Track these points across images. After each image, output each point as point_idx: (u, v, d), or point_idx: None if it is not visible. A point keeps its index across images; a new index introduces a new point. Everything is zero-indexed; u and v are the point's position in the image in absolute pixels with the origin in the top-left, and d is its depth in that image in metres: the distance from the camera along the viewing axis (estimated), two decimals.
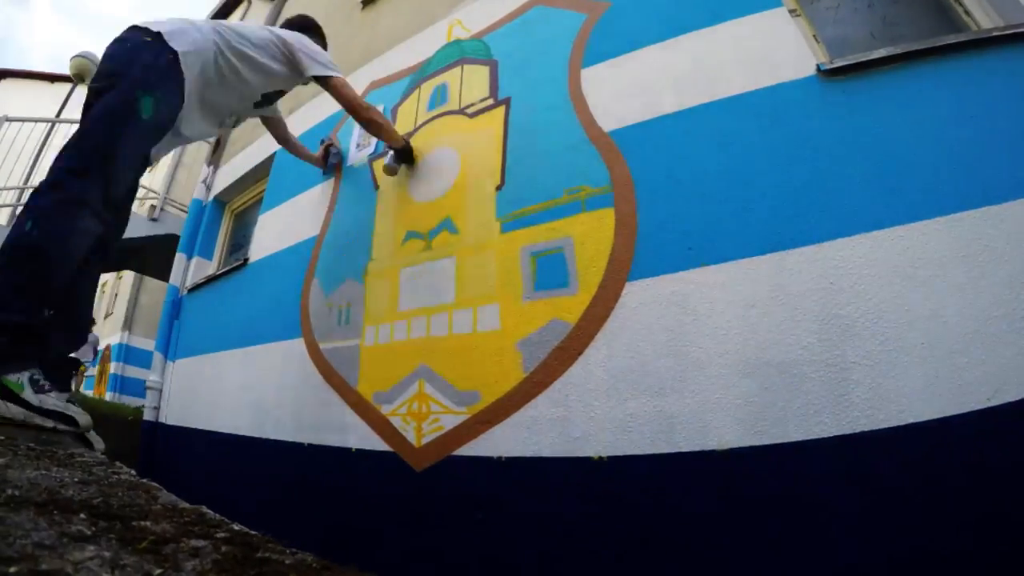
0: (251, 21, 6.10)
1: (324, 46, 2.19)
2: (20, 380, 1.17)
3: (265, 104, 2.00)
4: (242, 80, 1.74)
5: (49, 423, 1.18)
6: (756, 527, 1.08)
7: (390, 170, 2.10)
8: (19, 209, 5.36)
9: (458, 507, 1.46)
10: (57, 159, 1.30)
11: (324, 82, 1.91)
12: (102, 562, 0.40)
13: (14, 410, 1.13)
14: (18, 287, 1.18)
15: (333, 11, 3.91)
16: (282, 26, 2.09)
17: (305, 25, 2.16)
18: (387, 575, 1.35)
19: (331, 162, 2.57)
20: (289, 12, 5.11)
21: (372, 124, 1.98)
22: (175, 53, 1.48)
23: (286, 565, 0.50)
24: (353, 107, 1.94)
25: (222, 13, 7.98)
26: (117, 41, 1.49)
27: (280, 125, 2.31)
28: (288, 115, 3.01)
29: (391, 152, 2.09)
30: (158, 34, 1.49)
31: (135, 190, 1.60)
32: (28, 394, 1.17)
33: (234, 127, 2.01)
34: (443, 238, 1.88)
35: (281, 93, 2.04)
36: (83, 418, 1.25)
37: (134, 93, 1.39)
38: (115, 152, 1.34)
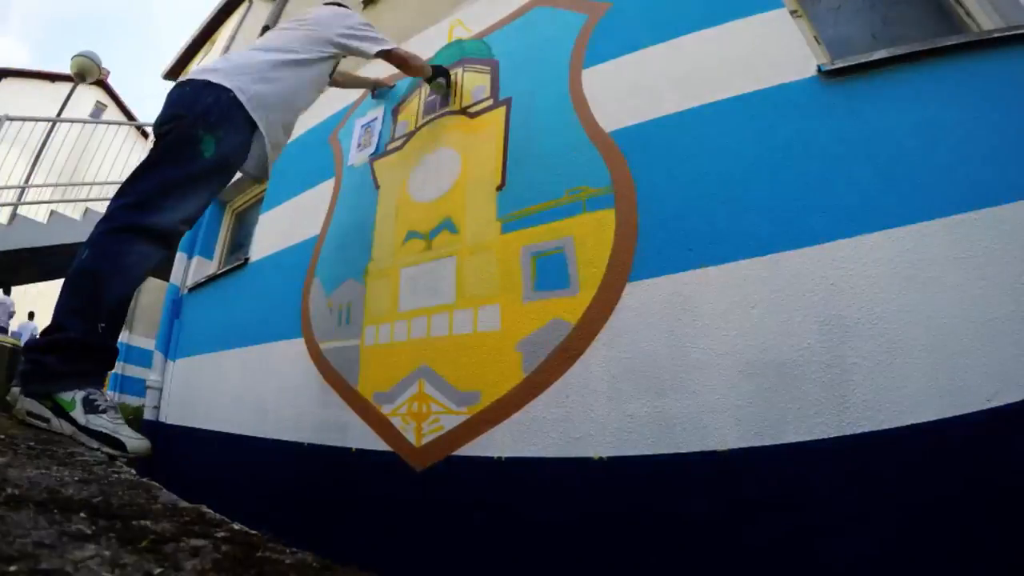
0: (251, 21, 6.10)
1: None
2: (73, 398, 1.20)
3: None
4: (310, 90, 1.83)
5: (93, 444, 1.17)
6: (756, 528, 1.08)
7: (436, 85, 2.25)
8: (20, 208, 5.36)
9: (458, 507, 1.46)
10: (114, 197, 1.38)
11: (386, 57, 1.97)
12: (102, 561, 0.40)
13: (64, 427, 1.18)
14: (74, 310, 1.25)
15: None
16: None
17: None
18: (387, 574, 1.35)
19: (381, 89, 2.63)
20: (290, 12, 5.12)
21: (416, 68, 2.08)
22: (231, 91, 1.51)
23: (286, 564, 0.50)
24: (407, 66, 2.05)
25: (223, 13, 7.98)
26: (179, 86, 1.55)
27: (344, 78, 2.39)
28: None
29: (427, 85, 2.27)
30: (209, 81, 1.52)
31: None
32: (77, 413, 1.19)
33: None
34: (444, 238, 1.88)
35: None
36: (133, 443, 1.21)
37: (196, 132, 1.43)
38: (173, 187, 1.39)
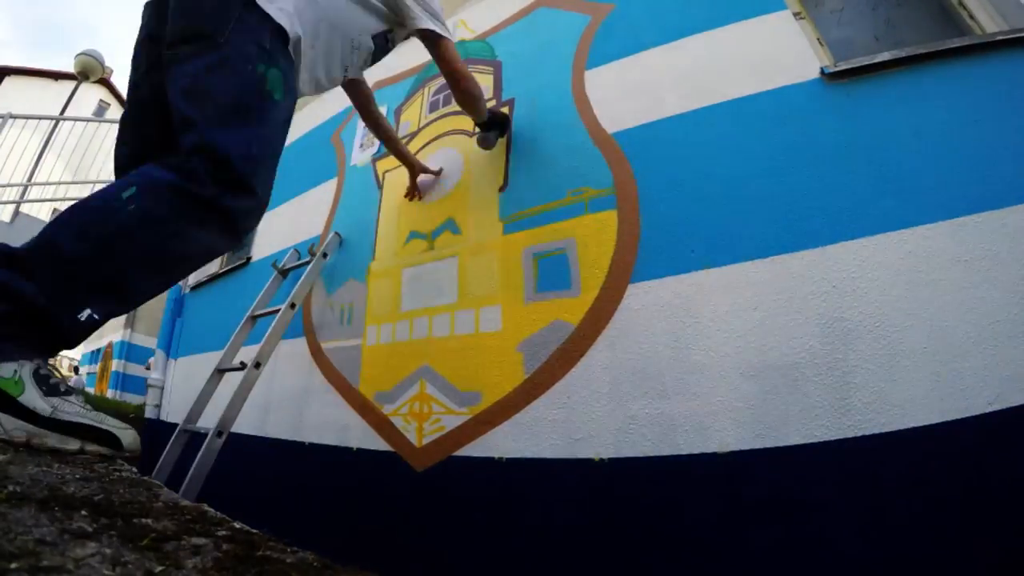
0: None
1: None
2: (17, 375, 0.78)
3: (379, 56, 1.50)
4: (348, 28, 1.32)
5: (73, 445, 0.82)
6: (757, 530, 1.08)
7: (484, 141, 1.83)
8: (22, 207, 5.38)
9: (459, 507, 1.46)
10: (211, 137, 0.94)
11: (432, 42, 1.52)
12: (103, 559, 0.40)
13: (8, 425, 0.77)
14: (72, 259, 0.83)
15: None
16: None
17: None
18: (388, 574, 1.35)
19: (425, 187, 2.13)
20: None
21: (468, 98, 1.65)
22: (269, 18, 1.06)
23: (287, 564, 0.50)
24: (456, 78, 1.59)
25: None
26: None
27: (364, 91, 1.85)
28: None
29: (479, 128, 1.82)
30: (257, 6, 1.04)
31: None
32: (31, 397, 0.78)
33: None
34: (446, 238, 1.88)
35: (390, 45, 1.52)
36: (127, 435, 0.90)
37: (252, 68, 1.00)
38: (265, 153, 1.07)
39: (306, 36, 1.17)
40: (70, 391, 0.86)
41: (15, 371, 0.78)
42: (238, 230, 1.03)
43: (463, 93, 1.64)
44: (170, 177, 0.92)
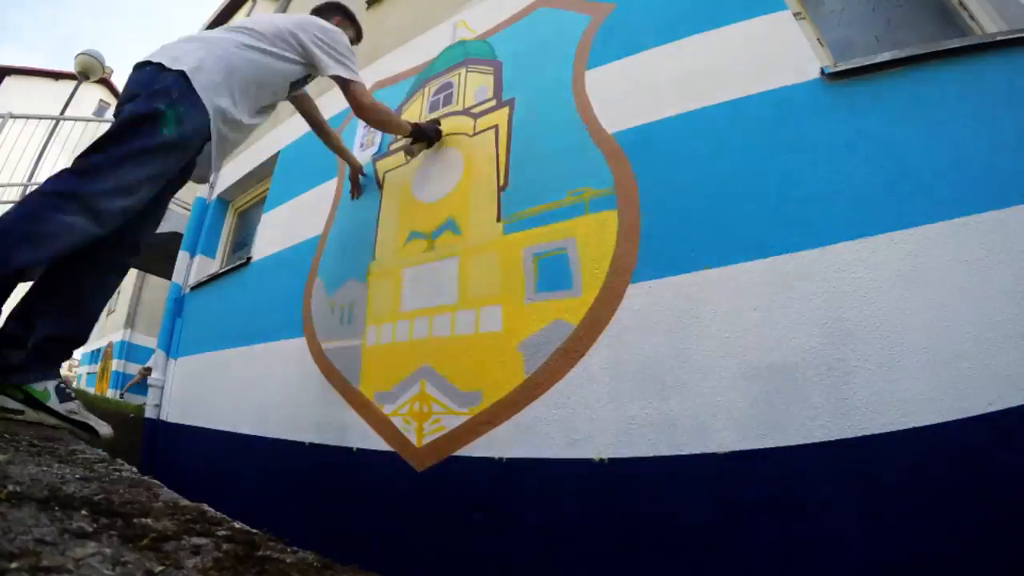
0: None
1: (356, 31, 2.13)
2: (47, 388, 1.28)
3: (298, 87, 1.89)
4: (266, 79, 1.66)
5: (66, 424, 1.27)
6: (757, 530, 1.08)
7: (409, 151, 2.14)
8: None
9: (459, 507, 1.46)
10: (62, 169, 1.28)
11: (342, 85, 1.80)
12: (103, 559, 0.40)
13: (45, 417, 1.25)
14: None
15: None
16: (311, 11, 2.00)
17: (329, 6, 2.07)
18: (388, 574, 1.35)
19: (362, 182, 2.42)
20: (294, 11, 5.13)
21: (383, 126, 1.97)
22: (184, 74, 1.41)
23: (287, 563, 0.50)
24: (366, 116, 1.88)
25: (227, 12, 7.99)
26: (137, 67, 1.45)
27: (307, 103, 2.17)
28: (291, 116, 3.02)
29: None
30: (160, 64, 1.43)
31: (160, 209, 1.58)
32: (54, 402, 1.27)
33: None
34: (446, 239, 1.88)
35: (309, 77, 1.90)
36: (104, 428, 1.32)
37: (155, 106, 1.34)
38: (126, 161, 1.29)
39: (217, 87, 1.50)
40: (74, 398, 1.33)
41: (44, 386, 1.30)
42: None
43: (376, 124, 1.95)
44: None
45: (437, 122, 2.16)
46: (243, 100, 1.60)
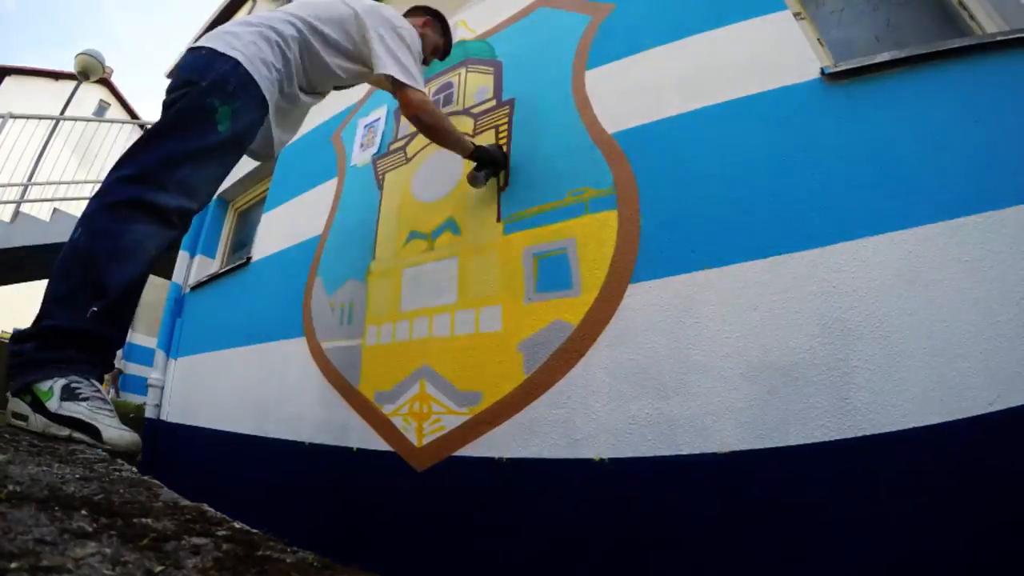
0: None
1: (445, 42, 1.95)
2: (51, 388, 1.03)
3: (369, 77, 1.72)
4: (325, 73, 1.57)
5: (64, 431, 1.01)
6: (757, 530, 1.08)
7: (475, 180, 1.74)
8: (22, 207, 5.38)
9: (459, 508, 1.46)
10: (112, 169, 1.20)
11: (395, 86, 1.59)
12: (103, 559, 0.40)
13: (37, 422, 1.01)
14: (61, 297, 1.08)
15: None
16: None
17: (420, 8, 1.91)
18: (388, 574, 1.35)
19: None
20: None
21: (438, 135, 1.68)
22: (239, 64, 1.33)
23: (287, 564, 0.50)
24: (422, 122, 1.62)
25: (226, 12, 7.99)
26: (192, 51, 1.36)
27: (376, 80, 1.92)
28: None
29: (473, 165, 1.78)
30: (213, 49, 1.34)
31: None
32: (52, 401, 1.02)
33: None
34: (446, 239, 1.88)
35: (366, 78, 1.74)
36: (112, 432, 1.03)
37: (210, 101, 1.26)
38: (181, 160, 1.22)
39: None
40: (88, 399, 1.06)
41: (51, 385, 1.04)
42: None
43: (430, 132, 1.67)
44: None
45: (500, 145, 1.88)
46: (300, 89, 1.53)
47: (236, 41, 1.36)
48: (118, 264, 1.13)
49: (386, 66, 1.55)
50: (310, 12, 1.53)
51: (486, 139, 1.96)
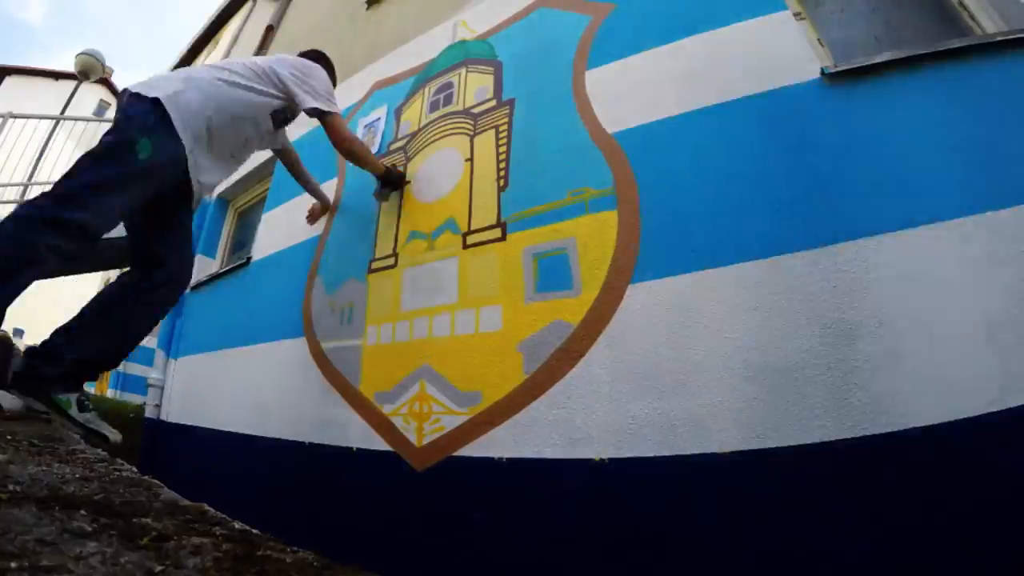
0: (255, 21, 6.11)
1: (331, 73, 2.13)
2: (69, 399, 1.47)
3: (278, 128, 1.95)
4: (244, 111, 1.73)
5: (79, 431, 1.45)
6: (757, 530, 1.08)
7: (380, 196, 2.12)
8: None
9: (459, 507, 1.46)
10: (50, 190, 1.36)
11: (320, 118, 1.88)
12: (103, 558, 0.40)
13: (65, 422, 1.45)
14: None
15: (337, 10, 3.93)
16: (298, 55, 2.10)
17: (311, 53, 2.15)
18: (388, 574, 1.35)
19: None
20: (293, 12, 5.13)
21: (358, 160, 2.01)
22: (159, 102, 1.50)
23: (287, 563, 0.50)
24: (344, 148, 1.95)
25: (226, 13, 8.01)
26: (122, 94, 1.57)
27: (291, 155, 2.28)
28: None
29: (378, 181, 2.12)
30: (137, 93, 1.52)
31: (186, 237, 1.77)
32: (74, 412, 1.46)
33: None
34: (446, 238, 1.88)
35: (287, 119, 1.96)
36: (114, 435, 1.52)
37: (132, 134, 1.44)
38: (101, 188, 1.38)
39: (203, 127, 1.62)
40: (92, 409, 1.53)
41: (68, 397, 1.48)
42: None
43: (351, 157, 2.01)
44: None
45: (401, 168, 2.22)
46: (221, 128, 1.66)
47: (156, 85, 1.55)
48: (14, 270, 1.28)
49: (308, 101, 1.83)
50: (225, 66, 1.74)
51: (487, 139, 1.97)
